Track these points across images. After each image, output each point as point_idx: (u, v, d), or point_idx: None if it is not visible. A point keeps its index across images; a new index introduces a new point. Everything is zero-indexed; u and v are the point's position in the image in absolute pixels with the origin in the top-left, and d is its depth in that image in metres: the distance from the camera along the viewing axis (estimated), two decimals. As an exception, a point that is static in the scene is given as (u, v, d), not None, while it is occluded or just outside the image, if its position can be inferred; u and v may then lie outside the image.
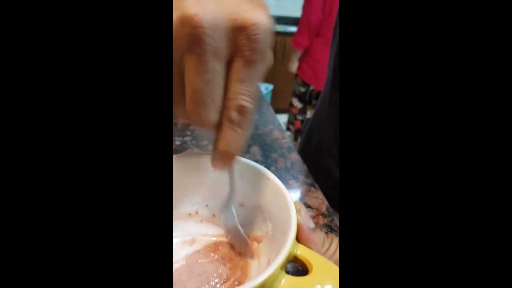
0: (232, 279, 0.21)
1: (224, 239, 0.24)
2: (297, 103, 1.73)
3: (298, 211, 0.18)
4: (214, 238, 0.24)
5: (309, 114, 1.74)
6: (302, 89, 1.64)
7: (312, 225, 0.18)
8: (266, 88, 2.10)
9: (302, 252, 0.17)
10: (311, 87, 1.61)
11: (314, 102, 1.69)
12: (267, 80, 2.16)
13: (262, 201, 0.22)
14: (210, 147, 0.42)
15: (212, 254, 0.23)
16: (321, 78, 1.55)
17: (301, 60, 1.54)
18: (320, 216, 0.30)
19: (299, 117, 1.78)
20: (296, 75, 1.64)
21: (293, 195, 0.33)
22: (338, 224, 0.29)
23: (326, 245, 0.17)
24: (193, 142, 0.43)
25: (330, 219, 0.30)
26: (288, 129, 1.81)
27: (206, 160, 0.23)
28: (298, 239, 0.18)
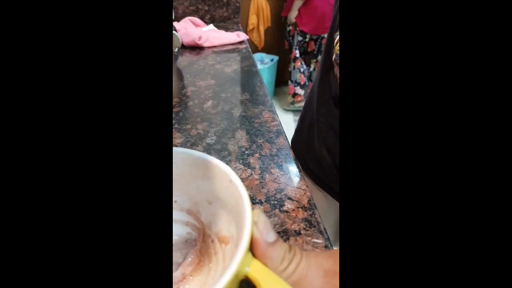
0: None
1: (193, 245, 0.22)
2: (297, 53, 1.80)
3: (255, 223, 0.16)
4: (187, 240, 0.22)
5: (312, 66, 1.84)
6: (300, 38, 1.74)
7: (271, 238, 0.16)
8: (271, 59, 2.00)
9: (254, 270, 0.14)
10: (314, 36, 1.72)
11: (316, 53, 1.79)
12: (272, 51, 2.05)
13: (226, 203, 0.20)
14: (194, 132, 0.39)
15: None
16: (319, 26, 1.66)
17: (300, 10, 1.64)
18: (300, 209, 0.28)
19: (303, 70, 1.85)
20: (295, 26, 1.72)
21: (274, 186, 0.30)
22: (319, 219, 0.27)
23: (286, 262, 0.15)
24: (176, 126, 0.40)
25: (311, 212, 0.27)
26: (297, 84, 1.88)
27: (174, 154, 0.20)
28: (254, 254, 0.15)
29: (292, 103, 1.92)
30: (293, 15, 1.67)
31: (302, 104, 2.00)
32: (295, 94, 1.89)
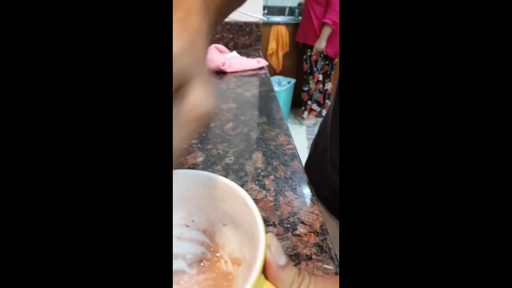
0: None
1: (209, 263, 0.23)
2: (320, 77, 1.91)
3: (268, 246, 0.16)
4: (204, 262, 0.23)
5: (327, 86, 1.96)
6: (322, 63, 1.84)
7: (282, 261, 0.16)
8: (288, 82, 2.04)
9: None
10: (329, 58, 1.80)
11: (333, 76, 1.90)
12: (289, 75, 2.10)
13: (241, 225, 0.21)
14: (214, 152, 0.41)
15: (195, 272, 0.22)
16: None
17: (329, 38, 1.70)
18: (312, 234, 0.28)
19: (320, 88, 1.96)
20: (322, 52, 1.78)
21: (287, 209, 0.30)
22: (330, 245, 0.27)
23: (295, 286, 0.15)
24: (199, 145, 0.42)
25: (323, 238, 0.27)
26: (311, 98, 2.02)
27: (195, 176, 0.22)
28: (266, 276, 0.16)
29: (307, 117, 2.08)
30: (323, 44, 1.70)
31: (315, 119, 2.05)
32: (311, 110, 2.06)
